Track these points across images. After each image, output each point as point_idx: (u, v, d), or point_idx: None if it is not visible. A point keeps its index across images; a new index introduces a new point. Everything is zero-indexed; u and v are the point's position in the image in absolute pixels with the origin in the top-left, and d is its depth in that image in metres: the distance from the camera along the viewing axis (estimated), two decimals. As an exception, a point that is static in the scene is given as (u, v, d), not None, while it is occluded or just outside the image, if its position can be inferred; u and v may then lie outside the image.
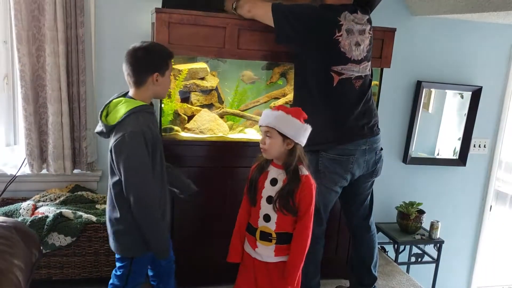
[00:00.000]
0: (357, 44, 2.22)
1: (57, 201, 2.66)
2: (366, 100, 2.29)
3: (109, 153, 1.82)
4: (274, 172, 1.90)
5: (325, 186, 2.24)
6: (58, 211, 2.47)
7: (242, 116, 2.77)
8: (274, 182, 1.88)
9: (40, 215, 2.45)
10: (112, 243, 1.94)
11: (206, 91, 2.70)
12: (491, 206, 3.85)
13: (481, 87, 3.51)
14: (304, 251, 1.88)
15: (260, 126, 1.89)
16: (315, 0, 2.34)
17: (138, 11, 2.76)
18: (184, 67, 2.60)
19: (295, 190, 1.83)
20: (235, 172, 2.55)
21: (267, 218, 1.89)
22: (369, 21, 2.30)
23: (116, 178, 1.80)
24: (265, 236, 1.90)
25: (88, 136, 2.79)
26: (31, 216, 2.48)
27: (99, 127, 1.87)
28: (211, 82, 2.68)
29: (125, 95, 1.89)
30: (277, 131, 1.82)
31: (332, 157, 2.23)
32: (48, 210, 2.51)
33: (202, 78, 2.67)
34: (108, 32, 2.77)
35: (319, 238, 2.34)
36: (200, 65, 2.67)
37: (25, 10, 2.51)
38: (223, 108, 2.69)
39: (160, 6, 2.40)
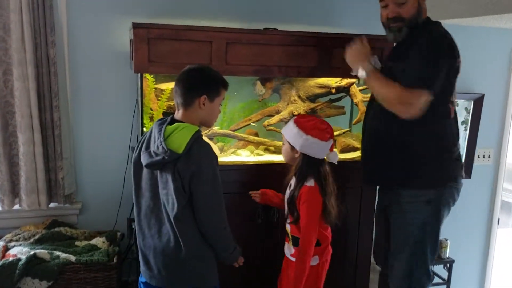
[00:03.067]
0: None
1: (32, 239, 2.41)
2: None
3: (162, 183, 1.70)
4: (293, 178, 2.04)
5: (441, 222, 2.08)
6: (32, 252, 2.22)
7: (233, 137, 2.57)
8: (290, 186, 2.05)
9: (11, 258, 2.19)
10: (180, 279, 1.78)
11: None
12: (498, 219, 3.67)
13: (483, 94, 3.34)
14: (300, 282, 1.94)
15: None
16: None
17: (116, 27, 2.56)
18: (167, 86, 2.39)
19: (294, 196, 1.97)
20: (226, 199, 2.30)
21: (286, 219, 2.06)
22: None
23: (177, 209, 1.68)
24: (288, 234, 2.07)
25: (65, 166, 2.54)
26: (1, 259, 2.21)
27: (154, 157, 1.68)
28: (197, 101, 2.45)
29: (172, 120, 1.76)
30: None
31: (459, 187, 2.08)
32: (20, 252, 2.26)
33: None
34: (82, 52, 2.56)
35: None
36: None
37: (-12, 30, 2.28)
38: (212, 128, 2.47)
39: (139, 20, 2.18)
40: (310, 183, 1.96)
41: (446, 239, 3.16)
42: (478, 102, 3.37)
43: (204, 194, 1.70)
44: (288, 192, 2.05)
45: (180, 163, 1.65)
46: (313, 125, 1.97)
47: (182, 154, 1.64)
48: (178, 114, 1.78)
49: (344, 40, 2.13)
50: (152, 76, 2.33)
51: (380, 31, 2.14)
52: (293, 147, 1.99)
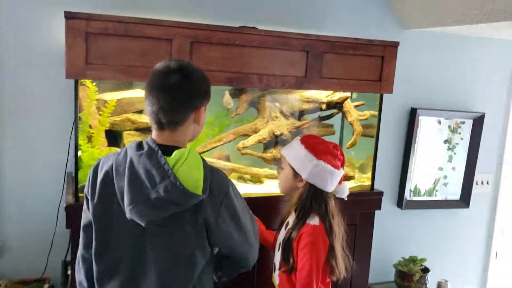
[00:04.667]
0: None
1: None
2: None
3: (165, 243, 1.31)
4: (291, 214, 1.72)
5: None
6: None
7: None
8: (286, 226, 1.72)
9: None
10: None
11: (146, 130, 2.05)
12: (496, 253, 3.36)
13: (484, 113, 3.01)
14: None
15: None
16: None
17: (52, 21, 2.06)
18: (112, 96, 1.94)
19: (293, 237, 1.64)
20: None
21: (274, 267, 1.75)
22: None
23: (197, 274, 1.33)
24: None
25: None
26: None
27: (167, 208, 1.25)
28: (153, 117, 1.98)
29: (154, 146, 1.31)
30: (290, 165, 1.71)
31: None
32: None
33: (140, 112, 2.03)
34: (5, 52, 2.06)
35: None
36: (136, 93, 2.03)
37: None
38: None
39: (79, 9, 1.70)
40: (314, 221, 1.65)
41: (446, 281, 2.82)
42: (478, 122, 3.02)
43: (239, 230, 1.38)
44: (282, 232, 1.72)
45: (203, 207, 1.28)
46: (325, 148, 1.69)
47: (205, 194, 1.26)
48: (161, 137, 1.34)
49: (339, 45, 1.94)
50: (94, 83, 1.84)
51: (377, 35, 1.97)
52: (297, 173, 1.69)
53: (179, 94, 1.30)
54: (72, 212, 1.73)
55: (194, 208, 1.26)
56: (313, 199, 1.68)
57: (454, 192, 3.07)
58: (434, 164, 3.00)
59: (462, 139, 3.02)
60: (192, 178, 1.24)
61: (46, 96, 2.14)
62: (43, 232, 2.20)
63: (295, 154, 1.69)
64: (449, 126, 2.98)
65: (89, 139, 1.86)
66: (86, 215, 1.38)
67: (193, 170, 1.25)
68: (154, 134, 1.35)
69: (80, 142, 1.81)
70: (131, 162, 1.27)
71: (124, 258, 1.31)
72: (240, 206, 1.39)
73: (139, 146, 1.31)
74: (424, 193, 2.99)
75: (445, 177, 3.02)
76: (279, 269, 1.69)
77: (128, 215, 1.25)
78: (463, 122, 2.99)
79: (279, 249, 1.70)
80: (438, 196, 3.04)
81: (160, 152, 1.27)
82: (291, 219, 1.71)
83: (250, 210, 1.51)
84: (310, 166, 1.65)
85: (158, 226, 1.26)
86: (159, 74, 1.32)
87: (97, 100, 1.91)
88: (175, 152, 1.27)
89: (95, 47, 1.67)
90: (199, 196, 1.23)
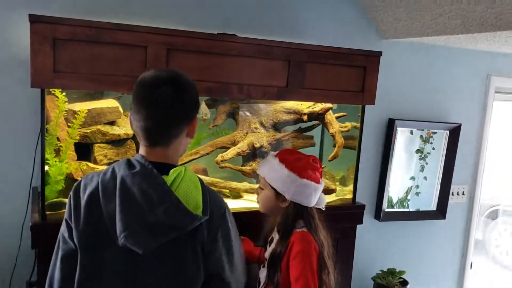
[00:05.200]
0: None
1: None
2: None
3: (161, 270, 1.18)
4: (275, 231, 1.67)
5: None
6: None
7: None
8: (271, 242, 1.66)
9: None
10: None
11: (119, 142, 1.92)
12: (471, 264, 3.36)
13: (460, 124, 3.01)
14: None
15: None
16: None
17: (16, 25, 1.92)
18: (82, 106, 1.80)
19: (281, 253, 1.57)
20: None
21: (259, 284, 1.67)
22: None
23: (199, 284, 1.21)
24: None
25: None
26: None
27: (169, 233, 1.14)
28: (125, 128, 1.91)
29: (147, 163, 1.19)
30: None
31: None
32: None
33: (112, 123, 1.90)
34: None
35: None
36: (108, 103, 1.90)
37: None
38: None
39: (45, 12, 1.57)
40: (301, 228, 1.61)
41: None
42: (454, 133, 3.01)
43: (229, 261, 1.26)
44: (268, 249, 1.65)
45: (202, 231, 1.18)
46: (306, 164, 1.62)
47: (206, 215, 1.17)
48: (152, 154, 1.23)
49: (320, 54, 1.87)
50: (63, 93, 1.71)
51: (360, 44, 1.96)
52: (279, 193, 1.61)
53: (172, 109, 1.20)
54: (39, 232, 1.60)
55: (193, 231, 1.15)
56: (296, 215, 1.61)
57: (426, 202, 3.04)
58: (406, 174, 2.99)
59: (434, 148, 3.01)
60: (192, 198, 1.15)
61: (9, 106, 1.99)
62: (5, 250, 2.03)
63: (276, 174, 1.61)
64: (421, 136, 2.96)
65: (57, 152, 1.72)
66: (67, 245, 1.23)
67: (192, 189, 1.16)
68: (143, 150, 1.23)
69: (47, 156, 1.66)
70: (123, 182, 1.14)
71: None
72: (234, 232, 1.28)
73: (130, 164, 1.19)
74: (396, 202, 2.96)
75: (417, 186, 3.01)
76: (265, 285, 1.61)
77: (121, 241, 1.12)
78: (435, 132, 2.98)
79: (264, 266, 1.64)
80: (411, 206, 3.01)
81: (155, 170, 1.16)
82: (275, 234, 1.65)
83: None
84: (293, 186, 1.58)
85: (154, 252, 1.14)
86: (148, 86, 1.20)
87: (66, 111, 1.77)
88: (172, 171, 1.17)
89: (63, 54, 1.54)
90: (201, 218, 1.13)
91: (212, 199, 1.22)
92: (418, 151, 3.00)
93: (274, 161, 1.63)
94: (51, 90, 1.66)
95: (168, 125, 1.20)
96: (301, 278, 1.50)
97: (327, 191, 2.12)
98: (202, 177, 2.00)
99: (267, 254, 1.65)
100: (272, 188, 1.61)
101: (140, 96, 1.20)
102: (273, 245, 1.62)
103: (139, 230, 1.11)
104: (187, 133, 1.26)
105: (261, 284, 1.65)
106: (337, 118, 2.15)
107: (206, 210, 1.16)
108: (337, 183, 2.28)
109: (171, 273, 1.16)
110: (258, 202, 1.70)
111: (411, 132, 2.95)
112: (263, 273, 1.65)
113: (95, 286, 1.19)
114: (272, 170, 1.62)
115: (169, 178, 1.15)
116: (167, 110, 1.19)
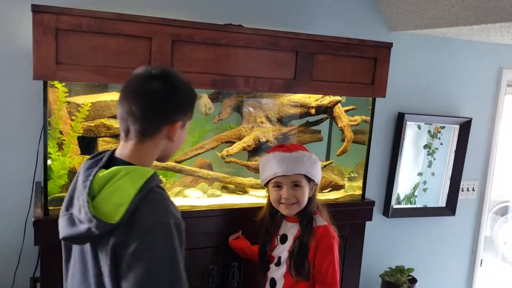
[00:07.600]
0: None
1: None
2: None
3: (94, 266, 1.14)
4: (284, 227, 1.70)
5: None
6: None
7: (178, 171, 1.98)
8: (284, 239, 1.68)
9: None
10: None
11: None
12: (481, 261, 3.32)
13: (471, 119, 2.96)
14: None
15: (276, 177, 1.62)
16: None
17: (18, 16, 1.89)
18: (86, 100, 1.79)
19: (309, 245, 1.60)
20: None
21: (272, 283, 1.68)
22: None
23: None
24: None
25: None
26: None
27: (78, 226, 1.11)
28: (130, 122, 1.85)
29: (110, 160, 1.20)
30: (305, 176, 1.63)
31: None
32: None
33: (115, 117, 1.87)
34: None
35: None
36: (113, 96, 1.88)
37: None
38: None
39: (48, 2, 1.54)
40: (321, 222, 1.65)
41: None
42: (465, 127, 2.97)
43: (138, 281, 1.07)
44: (283, 246, 1.66)
45: (116, 236, 1.08)
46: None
47: (119, 223, 1.07)
48: (123, 149, 1.21)
49: (331, 45, 1.85)
50: (63, 85, 1.69)
51: (368, 35, 1.91)
52: (309, 181, 1.65)
53: (156, 103, 1.17)
54: (42, 227, 1.58)
55: (109, 234, 1.09)
56: (316, 203, 1.69)
57: (433, 198, 3.01)
58: (414, 170, 2.95)
59: (442, 144, 2.97)
60: (113, 201, 1.09)
61: (11, 99, 1.97)
62: (9, 246, 2.04)
63: (307, 164, 1.63)
64: (429, 131, 2.92)
65: (60, 146, 1.70)
66: None
67: (120, 194, 1.09)
68: (119, 145, 1.21)
69: (50, 150, 1.65)
70: (79, 172, 1.18)
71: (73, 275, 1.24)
72: (156, 259, 1.09)
73: (96, 156, 1.20)
74: (403, 198, 2.92)
75: (425, 182, 2.97)
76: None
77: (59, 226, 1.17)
78: (443, 127, 2.94)
79: (279, 264, 1.66)
80: (418, 203, 2.98)
81: (100, 165, 1.14)
82: (288, 231, 1.67)
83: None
84: (319, 167, 1.67)
85: (90, 245, 1.14)
86: (138, 78, 1.18)
87: (69, 103, 1.75)
88: (114, 168, 1.13)
89: (66, 45, 1.53)
90: (109, 225, 1.07)
91: (154, 211, 1.12)
92: (426, 146, 2.96)
93: (304, 154, 1.63)
94: (53, 82, 1.64)
95: (145, 118, 1.16)
96: (330, 271, 1.58)
97: (335, 186, 2.09)
98: (207, 172, 1.98)
99: (278, 252, 1.66)
100: (306, 179, 1.63)
101: (127, 87, 1.19)
102: (289, 241, 1.64)
103: (65, 218, 1.15)
104: (168, 135, 1.21)
105: (277, 282, 1.66)
106: (346, 111, 2.12)
107: (121, 220, 1.07)
108: (346, 179, 2.24)
109: (97, 271, 1.13)
110: (295, 203, 1.64)
111: (419, 127, 2.91)
112: (278, 272, 1.65)
113: (66, 275, 1.27)
114: (309, 164, 1.64)
115: (104, 175, 1.12)
116: (148, 102, 1.16)
